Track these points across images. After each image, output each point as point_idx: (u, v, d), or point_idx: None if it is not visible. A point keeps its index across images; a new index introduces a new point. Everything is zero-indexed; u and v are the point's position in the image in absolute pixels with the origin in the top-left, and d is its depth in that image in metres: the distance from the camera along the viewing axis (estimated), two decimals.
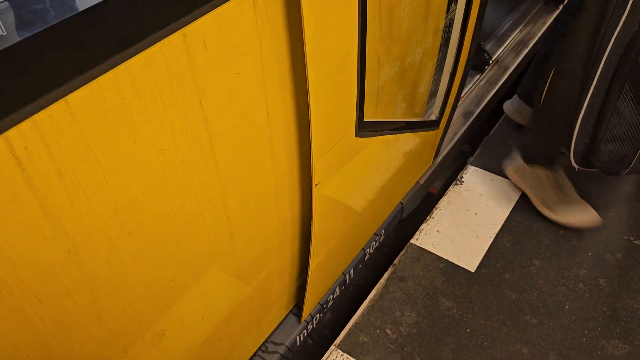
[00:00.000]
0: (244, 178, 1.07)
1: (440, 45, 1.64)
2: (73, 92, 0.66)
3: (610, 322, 1.73)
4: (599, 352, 1.66)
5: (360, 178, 1.52)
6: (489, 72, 2.73)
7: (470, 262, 1.93)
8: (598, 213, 2.04)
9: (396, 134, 1.60)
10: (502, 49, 2.84)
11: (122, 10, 0.68)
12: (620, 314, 1.74)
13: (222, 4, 0.81)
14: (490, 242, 1.99)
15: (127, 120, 0.76)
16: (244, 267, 1.27)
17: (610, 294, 1.80)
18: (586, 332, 1.71)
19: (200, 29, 0.80)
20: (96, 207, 0.78)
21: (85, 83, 0.67)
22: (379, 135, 1.47)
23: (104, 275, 0.86)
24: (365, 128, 1.32)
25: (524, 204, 2.12)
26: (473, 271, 1.90)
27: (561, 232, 2.00)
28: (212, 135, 0.92)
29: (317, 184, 1.23)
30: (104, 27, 0.68)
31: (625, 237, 1.97)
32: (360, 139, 1.33)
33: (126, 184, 0.81)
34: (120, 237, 0.85)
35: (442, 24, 1.56)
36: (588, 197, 2.11)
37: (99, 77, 0.70)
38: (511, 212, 2.09)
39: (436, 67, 1.72)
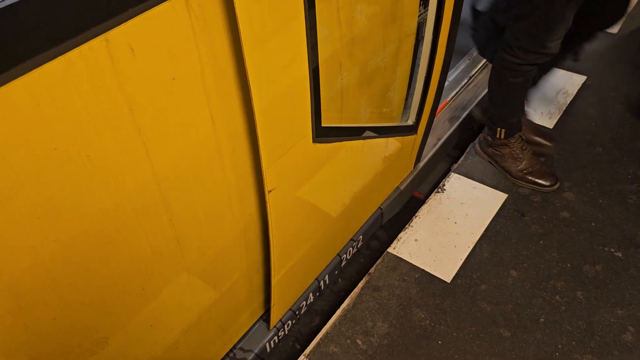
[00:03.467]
0: (188, 184, 1.05)
1: (413, 48, 1.62)
2: None
3: (585, 336, 1.68)
4: None
5: (326, 184, 1.50)
6: (477, 76, 2.69)
7: (446, 272, 1.89)
8: (580, 224, 2.00)
9: (366, 139, 1.58)
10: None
11: (36, 14, 0.67)
12: (596, 328, 1.70)
13: (150, 8, 0.79)
14: (468, 252, 1.95)
15: (42, 127, 0.74)
16: (198, 274, 1.25)
17: (587, 307, 1.76)
18: (560, 346, 1.67)
19: (126, 34, 0.78)
20: (13, 214, 0.76)
21: None
22: (344, 141, 1.44)
23: (28, 283, 0.84)
24: (324, 134, 1.30)
25: (505, 213, 2.08)
26: (449, 282, 1.87)
27: (541, 242, 1.96)
28: (146, 141, 0.90)
29: (270, 191, 1.20)
30: (16, 30, 0.66)
31: (605, 249, 1.93)
32: (319, 145, 1.31)
33: (48, 191, 0.79)
34: (44, 244, 0.83)
35: (412, 27, 1.53)
36: (571, 208, 2.08)
37: (9, 83, 0.68)
38: (491, 221, 2.06)
39: (410, 71, 1.69)
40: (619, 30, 2.96)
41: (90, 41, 0.74)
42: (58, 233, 0.84)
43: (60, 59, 0.72)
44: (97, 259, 0.94)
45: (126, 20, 0.77)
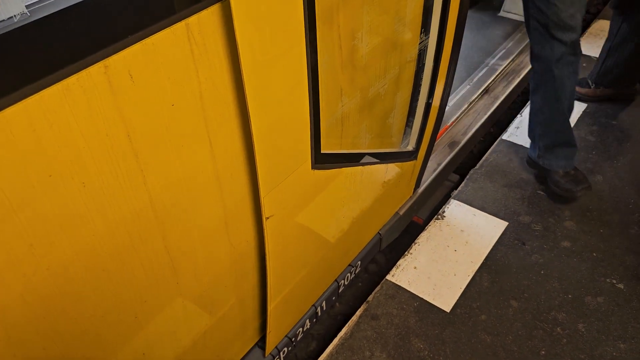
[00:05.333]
0: (185, 210, 1.03)
1: (414, 75, 1.62)
2: None
3: None
4: None
5: (325, 210, 1.48)
6: (478, 101, 2.70)
7: (446, 301, 1.87)
8: (581, 254, 1.98)
9: (366, 165, 1.57)
10: (492, 78, 2.81)
11: (35, 40, 0.66)
12: None
13: (150, 35, 0.79)
14: (468, 281, 1.93)
15: (38, 153, 0.73)
16: (193, 301, 1.22)
17: (589, 340, 1.73)
18: None
19: (125, 61, 0.77)
20: (5, 241, 0.74)
21: None
22: (343, 168, 1.43)
23: (18, 312, 0.82)
24: (323, 160, 1.28)
25: (505, 241, 2.06)
26: (448, 311, 1.84)
27: (542, 272, 1.94)
28: (143, 168, 0.89)
29: (268, 218, 1.19)
30: (14, 56, 0.65)
31: (607, 280, 1.90)
32: (318, 172, 1.30)
33: (41, 218, 0.78)
34: (36, 272, 0.81)
35: (413, 55, 1.54)
36: (572, 237, 2.06)
37: (6, 109, 0.67)
38: (492, 249, 2.03)
39: (411, 97, 1.69)
40: None
41: (88, 68, 0.73)
42: (51, 261, 0.82)
43: (58, 86, 0.71)
44: (90, 287, 0.92)
45: (126, 47, 0.76)
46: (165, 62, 0.83)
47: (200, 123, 0.95)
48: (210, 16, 0.86)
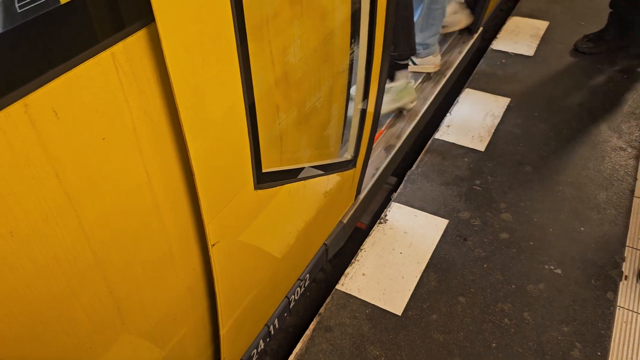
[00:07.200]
0: (126, 246, 0.97)
1: (347, 85, 1.62)
2: None
3: (536, 357, 1.71)
4: None
5: (271, 228, 1.46)
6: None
7: (396, 305, 1.88)
8: (519, 244, 2.06)
9: (307, 179, 1.55)
10: (420, 79, 2.88)
11: None
12: (546, 348, 1.73)
13: (72, 68, 0.74)
14: (416, 282, 1.95)
15: None
16: (142, 337, 1.16)
17: (535, 327, 1.79)
18: None
19: (47, 97, 0.72)
20: None
21: None
22: (285, 184, 1.41)
23: None
24: (265, 180, 1.26)
25: (448, 239, 2.11)
26: (400, 314, 1.85)
27: (485, 266, 2.00)
28: (77, 207, 0.83)
29: (214, 244, 1.15)
30: None
31: (546, 267, 1.98)
32: (261, 192, 1.27)
33: None
34: None
35: (346, 65, 1.54)
36: (509, 229, 2.13)
37: None
38: (435, 248, 2.07)
39: (345, 107, 1.70)
40: (534, 53, 3.13)
41: (6, 108, 0.67)
42: None
43: None
44: (27, 340, 0.85)
45: (47, 82, 0.71)
46: (92, 94, 0.78)
47: (135, 154, 0.90)
48: (137, 42, 0.81)
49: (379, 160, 2.40)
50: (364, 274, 1.99)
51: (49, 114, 0.73)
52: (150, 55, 0.85)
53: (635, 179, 2.34)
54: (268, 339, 1.84)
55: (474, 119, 2.74)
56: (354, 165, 1.92)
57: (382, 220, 2.22)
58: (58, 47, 0.71)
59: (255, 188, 1.23)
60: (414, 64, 2.77)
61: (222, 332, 1.43)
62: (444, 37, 3.25)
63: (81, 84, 0.76)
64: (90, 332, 0.97)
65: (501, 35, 3.40)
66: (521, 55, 3.21)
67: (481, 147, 2.55)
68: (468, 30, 3.23)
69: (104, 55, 0.77)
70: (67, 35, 0.72)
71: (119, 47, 0.78)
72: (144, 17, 0.81)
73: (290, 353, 1.80)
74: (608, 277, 1.94)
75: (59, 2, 0.69)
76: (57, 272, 0.85)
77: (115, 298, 1.00)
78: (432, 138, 2.65)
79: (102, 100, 0.80)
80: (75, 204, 0.83)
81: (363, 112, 1.75)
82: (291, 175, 1.44)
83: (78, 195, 0.82)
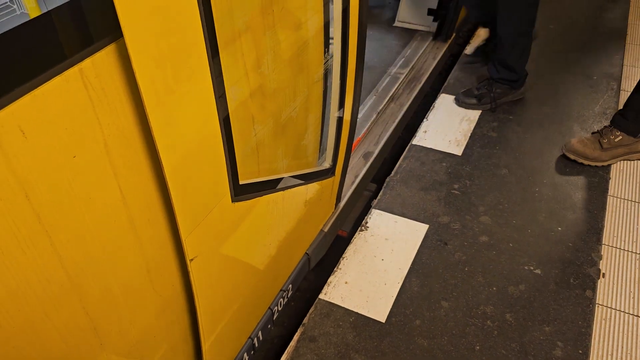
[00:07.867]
0: (102, 266, 0.95)
1: (322, 94, 1.62)
2: None
3: (520, 358, 1.72)
4: None
5: (250, 240, 1.44)
6: (385, 110, 2.77)
7: (380, 312, 1.88)
8: (499, 247, 2.07)
9: (286, 189, 1.54)
10: (396, 86, 2.90)
11: None
12: (529, 348, 1.74)
13: (40, 85, 0.72)
14: (398, 288, 1.95)
15: None
16: (122, 358, 1.13)
17: (517, 328, 1.80)
18: None
19: (13, 115, 0.70)
20: None
21: None
22: (264, 195, 1.40)
23: None
24: (243, 192, 1.25)
25: (428, 243, 2.12)
26: (384, 321, 1.85)
27: (466, 269, 2.01)
28: (48, 229, 0.81)
29: (192, 259, 1.13)
30: None
31: (525, 267, 2.00)
32: (239, 204, 1.25)
33: None
34: None
35: (320, 74, 1.54)
36: (488, 231, 2.15)
37: None
38: (417, 253, 2.08)
39: (322, 116, 1.70)
40: None
41: None
42: None
43: None
44: None
45: (12, 101, 0.69)
46: (61, 112, 0.76)
47: (107, 171, 0.89)
48: (105, 57, 0.80)
49: (358, 168, 2.40)
50: (346, 282, 1.98)
51: (15, 133, 0.71)
52: (121, 70, 0.83)
53: (609, 178, 2.38)
54: (252, 352, 1.82)
55: (450, 123, 2.76)
56: (333, 174, 1.91)
57: (363, 228, 2.21)
58: (24, 64, 0.70)
59: (233, 201, 1.22)
60: None
61: (205, 347, 1.41)
62: (418, 44, 3.29)
63: (49, 102, 0.74)
64: (66, 355, 0.94)
65: (473, 40, 3.43)
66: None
67: (458, 151, 2.57)
68: (443, 37, 3.27)
69: (72, 71, 0.75)
70: (33, 52, 0.70)
71: (87, 63, 0.77)
72: (113, 32, 0.79)
73: None
74: (586, 275, 1.96)
75: (28, 17, 0.68)
76: (29, 295, 0.82)
77: (91, 319, 0.97)
78: (410, 144, 2.66)
79: (71, 117, 0.78)
80: (47, 225, 0.81)
81: (340, 120, 1.75)
82: (269, 186, 1.43)
83: (49, 215, 0.80)
